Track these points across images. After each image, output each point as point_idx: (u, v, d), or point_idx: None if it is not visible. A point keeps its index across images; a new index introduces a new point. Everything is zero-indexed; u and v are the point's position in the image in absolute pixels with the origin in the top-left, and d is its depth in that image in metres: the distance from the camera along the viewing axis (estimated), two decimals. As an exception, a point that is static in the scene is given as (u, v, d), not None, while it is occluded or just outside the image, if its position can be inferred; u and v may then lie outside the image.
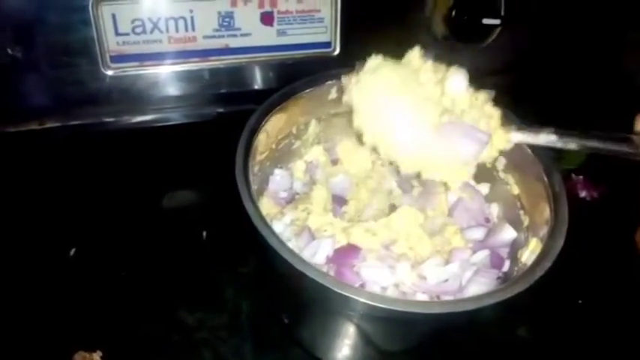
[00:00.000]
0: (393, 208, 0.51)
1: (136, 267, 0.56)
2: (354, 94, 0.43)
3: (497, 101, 0.44)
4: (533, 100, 0.53)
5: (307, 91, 0.49)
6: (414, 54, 0.44)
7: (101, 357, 0.45)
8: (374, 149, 0.45)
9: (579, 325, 0.55)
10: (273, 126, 0.47)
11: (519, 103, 0.49)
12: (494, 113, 0.43)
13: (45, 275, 0.53)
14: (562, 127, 0.42)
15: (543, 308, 0.55)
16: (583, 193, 0.67)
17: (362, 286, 0.42)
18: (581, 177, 0.68)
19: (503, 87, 0.45)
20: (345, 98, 0.45)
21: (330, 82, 0.50)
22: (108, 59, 0.60)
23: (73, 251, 0.56)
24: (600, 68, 0.79)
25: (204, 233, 0.60)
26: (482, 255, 0.45)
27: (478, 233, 0.48)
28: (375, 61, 0.43)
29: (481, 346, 0.53)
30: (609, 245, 0.61)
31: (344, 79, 0.45)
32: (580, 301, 0.58)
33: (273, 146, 0.50)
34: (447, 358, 0.52)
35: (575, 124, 0.41)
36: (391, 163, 0.54)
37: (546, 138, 0.42)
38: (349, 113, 0.53)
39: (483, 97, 0.43)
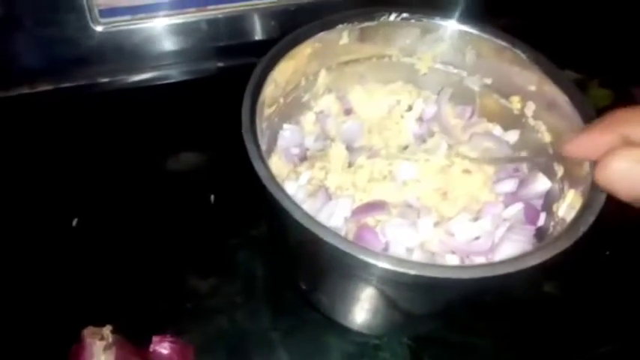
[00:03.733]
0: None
1: (142, 235, 0.53)
2: None
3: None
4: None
5: (317, 35, 0.44)
6: None
7: (111, 330, 0.43)
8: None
9: (606, 276, 0.53)
10: (281, 76, 0.43)
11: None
12: None
13: (48, 249, 0.51)
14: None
15: (569, 260, 0.52)
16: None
17: (386, 247, 0.39)
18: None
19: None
20: None
21: (341, 26, 0.45)
22: (97, 13, 0.55)
23: (75, 221, 0.54)
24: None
25: (212, 197, 0.57)
26: (516, 209, 0.41)
27: (509, 185, 0.43)
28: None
29: (508, 305, 0.50)
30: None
31: None
32: (607, 252, 0.55)
33: (282, 100, 0.46)
34: (472, 318, 0.50)
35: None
36: (409, 109, 0.50)
37: None
38: (363, 60, 0.49)
39: None
